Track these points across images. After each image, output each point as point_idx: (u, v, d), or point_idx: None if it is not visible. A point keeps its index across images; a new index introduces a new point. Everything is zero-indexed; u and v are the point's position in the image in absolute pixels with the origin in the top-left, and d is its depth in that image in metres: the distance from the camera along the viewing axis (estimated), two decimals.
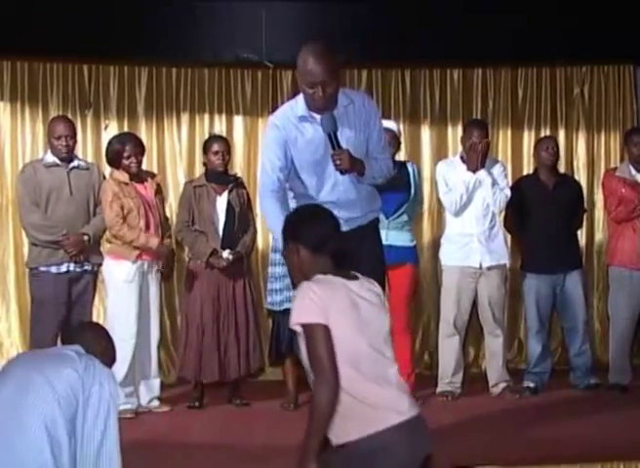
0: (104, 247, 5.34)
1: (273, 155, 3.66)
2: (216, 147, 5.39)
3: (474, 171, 5.40)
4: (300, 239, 2.87)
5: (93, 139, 6.38)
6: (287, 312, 5.14)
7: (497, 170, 5.53)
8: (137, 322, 5.05)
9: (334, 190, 3.72)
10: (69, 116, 6.29)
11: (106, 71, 6.40)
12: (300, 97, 3.64)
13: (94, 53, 6.06)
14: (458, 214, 5.48)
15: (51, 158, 5.22)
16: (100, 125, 6.40)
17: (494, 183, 5.43)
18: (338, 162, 3.59)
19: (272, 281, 5.40)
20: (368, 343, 2.75)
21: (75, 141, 5.34)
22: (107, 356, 3.17)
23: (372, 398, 2.70)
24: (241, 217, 5.42)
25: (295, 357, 5.28)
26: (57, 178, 5.16)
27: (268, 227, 3.74)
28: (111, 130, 6.25)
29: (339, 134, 3.60)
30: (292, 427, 4.66)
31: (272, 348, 5.43)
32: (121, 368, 4.98)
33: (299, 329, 2.73)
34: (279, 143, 3.65)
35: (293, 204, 3.82)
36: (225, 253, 5.28)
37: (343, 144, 3.61)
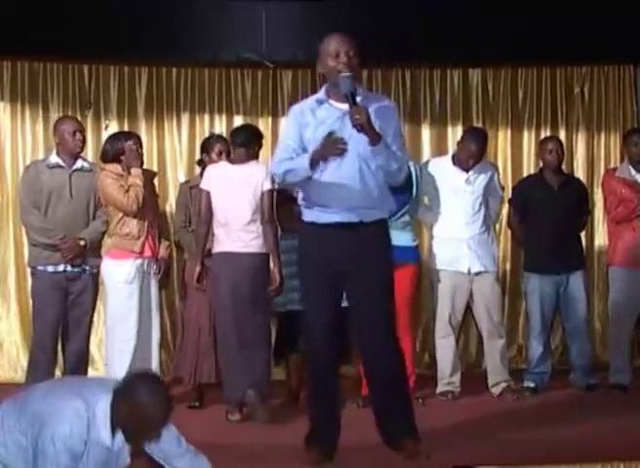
0: (106, 243, 5.32)
1: (288, 138, 3.98)
2: (219, 147, 5.35)
3: None
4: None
5: (93, 140, 6.37)
6: (290, 313, 5.18)
7: (489, 176, 5.58)
8: (137, 323, 5.05)
9: (336, 171, 3.86)
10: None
11: (106, 71, 6.41)
12: (323, 89, 3.97)
13: (94, 53, 6.05)
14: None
15: (55, 159, 5.21)
16: (100, 125, 6.41)
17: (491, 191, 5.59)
18: (356, 116, 3.71)
19: None
20: (225, 208, 4.88)
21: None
22: (124, 421, 3.13)
23: (220, 234, 4.90)
24: None
25: (298, 357, 5.29)
26: (58, 180, 5.15)
27: (299, 174, 3.92)
28: (112, 130, 6.24)
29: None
30: (293, 426, 4.68)
31: (276, 349, 5.42)
32: (121, 369, 4.98)
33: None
34: (294, 127, 3.96)
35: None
36: None
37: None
